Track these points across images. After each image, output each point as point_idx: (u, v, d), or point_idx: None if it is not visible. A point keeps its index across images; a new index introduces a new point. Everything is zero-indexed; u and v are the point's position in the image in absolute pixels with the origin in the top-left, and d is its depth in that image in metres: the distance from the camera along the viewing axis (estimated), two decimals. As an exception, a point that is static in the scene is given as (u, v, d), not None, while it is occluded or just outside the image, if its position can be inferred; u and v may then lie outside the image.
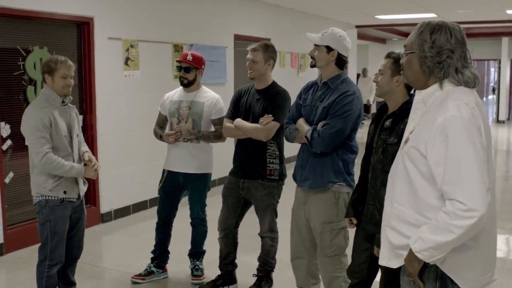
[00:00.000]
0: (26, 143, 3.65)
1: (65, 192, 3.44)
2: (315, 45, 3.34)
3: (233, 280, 4.23)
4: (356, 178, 3.41)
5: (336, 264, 3.41)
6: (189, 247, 4.46)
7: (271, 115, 3.76)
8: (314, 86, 3.44)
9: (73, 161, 3.47)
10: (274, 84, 3.95)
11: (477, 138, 1.93)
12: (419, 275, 2.06)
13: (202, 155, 4.26)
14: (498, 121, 18.04)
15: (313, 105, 3.35)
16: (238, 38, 8.46)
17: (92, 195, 5.98)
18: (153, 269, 4.41)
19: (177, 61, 4.32)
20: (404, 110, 2.86)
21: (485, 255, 2.08)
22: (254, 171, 3.90)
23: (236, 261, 4.22)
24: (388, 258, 2.20)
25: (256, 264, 4.14)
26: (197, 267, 4.39)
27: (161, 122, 4.42)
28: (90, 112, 5.93)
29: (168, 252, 4.47)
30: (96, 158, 3.93)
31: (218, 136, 4.21)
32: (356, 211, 3.15)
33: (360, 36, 14.66)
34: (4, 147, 5.09)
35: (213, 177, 4.53)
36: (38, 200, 3.46)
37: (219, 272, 4.21)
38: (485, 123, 2.02)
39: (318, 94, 3.35)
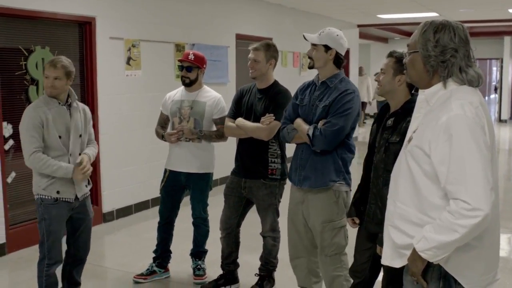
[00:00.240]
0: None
1: (58, 192, 3.44)
2: (313, 45, 3.34)
3: (235, 280, 4.23)
4: (353, 177, 3.42)
5: (336, 263, 3.41)
6: (191, 246, 4.46)
7: (272, 115, 3.76)
8: (311, 86, 3.45)
9: (69, 161, 3.45)
10: (275, 83, 3.94)
11: (481, 137, 1.93)
12: (422, 275, 2.06)
13: (203, 154, 4.25)
14: (500, 120, 18.01)
15: (311, 104, 3.36)
16: (240, 37, 8.46)
17: (94, 195, 5.97)
18: (155, 268, 4.41)
19: (179, 60, 4.32)
20: (406, 109, 2.86)
21: (489, 254, 2.08)
22: (256, 170, 3.90)
23: (238, 260, 4.22)
24: (391, 257, 2.19)
25: (258, 263, 4.14)
26: (199, 266, 4.39)
27: (163, 122, 4.41)
28: (91, 112, 5.90)
29: (170, 252, 4.47)
30: (98, 158, 3.92)
31: (220, 136, 4.21)
32: (358, 211, 3.15)
33: (362, 36, 14.65)
34: (6, 147, 5.10)
35: (215, 177, 4.53)
36: (36, 198, 3.50)
37: (221, 272, 4.21)
38: (489, 122, 2.02)
39: (317, 94, 3.36)
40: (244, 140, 3.95)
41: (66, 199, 3.48)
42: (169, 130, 4.36)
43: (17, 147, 5.11)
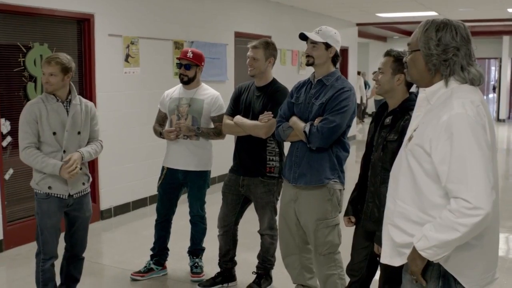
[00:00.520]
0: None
1: (50, 188, 3.45)
2: (312, 43, 3.35)
3: (233, 278, 4.23)
4: (352, 175, 3.42)
5: (330, 262, 3.41)
6: (188, 244, 4.45)
7: (271, 112, 3.75)
8: (307, 84, 3.46)
9: (62, 158, 3.44)
10: (274, 81, 3.94)
11: (482, 136, 1.93)
12: (421, 274, 2.05)
13: (201, 152, 4.25)
14: (498, 119, 18.04)
15: (307, 102, 3.36)
16: (238, 35, 8.45)
17: (91, 192, 5.92)
18: (153, 266, 4.41)
19: (177, 58, 4.31)
20: (404, 108, 2.87)
21: (489, 253, 2.08)
22: (254, 168, 3.89)
23: (236, 258, 4.22)
24: (390, 256, 2.19)
25: (255, 261, 4.14)
26: (196, 264, 4.39)
27: (161, 120, 4.41)
28: (90, 109, 5.92)
29: (168, 250, 4.47)
30: (96, 155, 3.90)
31: (218, 133, 4.20)
32: (355, 209, 3.15)
33: (361, 34, 14.66)
34: (4, 143, 5.09)
35: (212, 175, 4.53)
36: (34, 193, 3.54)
37: (218, 270, 4.21)
38: (490, 121, 2.02)
39: (313, 92, 3.36)
40: (243, 138, 3.95)
41: (58, 195, 3.48)
42: (167, 127, 4.35)
43: (15, 144, 5.11)
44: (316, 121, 3.27)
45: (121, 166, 6.36)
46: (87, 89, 5.89)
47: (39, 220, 3.49)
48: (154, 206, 4.56)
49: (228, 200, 4.06)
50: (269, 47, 3.88)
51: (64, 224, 3.65)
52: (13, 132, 5.08)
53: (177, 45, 7.07)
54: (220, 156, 5.18)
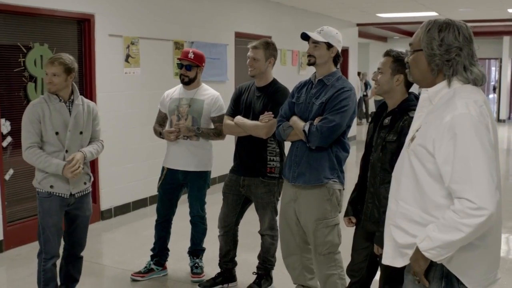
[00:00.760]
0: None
1: (52, 187, 3.47)
2: (314, 42, 3.35)
3: (233, 278, 4.22)
4: (350, 176, 3.41)
5: (330, 262, 3.41)
6: (188, 244, 4.45)
7: (271, 113, 3.75)
8: (308, 84, 3.46)
9: (64, 158, 3.47)
10: (274, 81, 3.94)
11: (486, 136, 1.92)
12: (424, 274, 2.05)
13: (201, 152, 4.25)
14: (498, 120, 18.03)
15: (308, 102, 3.37)
16: (239, 35, 8.45)
17: (92, 192, 5.95)
18: (153, 266, 4.40)
19: (178, 58, 4.31)
20: (403, 108, 2.86)
21: (491, 254, 2.07)
22: (255, 168, 3.89)
23: (236, 259, 4.22)
24: (392, 257, 2.18)
25: (256, 261, 4.14)
26: (196, 264, 4.39)
27: (161, 120, 4.41)
28: (90, 109, 5.92)
29: (168, 250, 4.47)
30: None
31: (218, 134, 4.20)
32: (355, 210, 3.15)
33: (361, 34, 14.66)
34: (4, 144, 5.09)
35: (213, 175, 4.53)
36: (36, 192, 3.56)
37: (218, 270, 4.21)
38: (492, 121, 2.01)
39: (313, 92, 3.37)
40: (243, 138, 3.95)
41: (60, 194, 3.49)
42: (167, 128, 4.35)
43: (15, 144, 5.11)
44: (316, 121, 3.27)
45: (121, 166, 6.36)
46: (87, 90, 5.88)
47: (40, 219, 3.51)
48: (154, 206, 4.56)
49: (228, 201, 4.06)
50: (269, 48, 3.88)
51: (64, 223, 3.65)
52: (13, 133, 5.08)
53: (177, 45, 7.07)
54: (220, 157, 5.18)
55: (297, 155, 3.40)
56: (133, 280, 4.35)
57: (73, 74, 3.49)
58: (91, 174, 3.70)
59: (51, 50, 5.43)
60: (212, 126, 4.27)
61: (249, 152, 3.92)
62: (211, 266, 4.40)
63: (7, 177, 5.13)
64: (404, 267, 2.19)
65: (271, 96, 3.84)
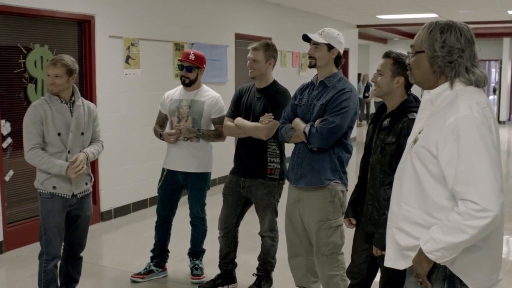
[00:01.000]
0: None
1: (54, 187, 3.49)
2: (315, 44, 3.34)
3: (233, 280, 4.22)
4: (350, 177, 3.41)
5: (333, 263, 3.41)
6: (188, 246, 4.45)
7: (271, 114, 3.75)
8: (310, 86, 3.46)
9: (66, 158, 3.49)
10: (274, 83, 3.94)
11: (489, 138, 1.92)
12: (427, 276, 2.05)
13: (201, 154, 4.25)
14: (498, 121, 18.02)
15: (309, 104, 3.37)
16: (239, 37, 8.45)
17: (92, 194, 5.95)
18: (153, 268, 4.40)
19: (179, 60, 4.31)
20: (403, 110, 2.86)
21: (494, 255, 2.07)
22: (255, 170, 3.89)
23: (236, 260, 4.22)
24: (395, 259, 2.18)
25: (256, 263, 4.13)
26: (196, 266, 4.39)
27: (161, 121, 4.41)
28: (90, 110, 5.92)
29: (168, 251, 4.47)
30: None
31: (218, 135, 4.20)
32: (355, 211, 3.14)
33: (361, 36, 14.66)
34: (4, 145, 5.09)
35: (213, 176, 4.53)
36: (38, 193, 3.57)
37: (219, 271, 4.21)
38: (495, 123, 2.01)
39: (315, 93, 3.37)
40: (243, 139, 3.95)
41: (62, 195, 3.51)
42: (167, 129, 4.35)
43: (15, 146, 5.11)
44: (317, 122, 3.27)
45: (121, 167, 6.36)
46: (87, 91, 5.88)
47: (42, 220, 3.51)
48: (154, 207, 4.56)
49: (228, 202, 4.06)
50: (269, 49, 3.88)
51: (64, 223, 3.65)
52: (14, 134, 5.08)
53: (178, 46, 7.07)
54: (220, 158, 5.18)
55: (299, 156, 3.40)
56: (133, 282, 4.34)
57: (74, 76, 3.53)
58: (91, 175, 3.72)
59: (51, 51, 5.43)
60: (213, 128, 4.27)
61: (249, 153, 3.92)
62: (211, 267, 4.40)
63: (7, 178, 5.13)
64: (405, 269, 2.18)
65: (271, 98, 3.84)
